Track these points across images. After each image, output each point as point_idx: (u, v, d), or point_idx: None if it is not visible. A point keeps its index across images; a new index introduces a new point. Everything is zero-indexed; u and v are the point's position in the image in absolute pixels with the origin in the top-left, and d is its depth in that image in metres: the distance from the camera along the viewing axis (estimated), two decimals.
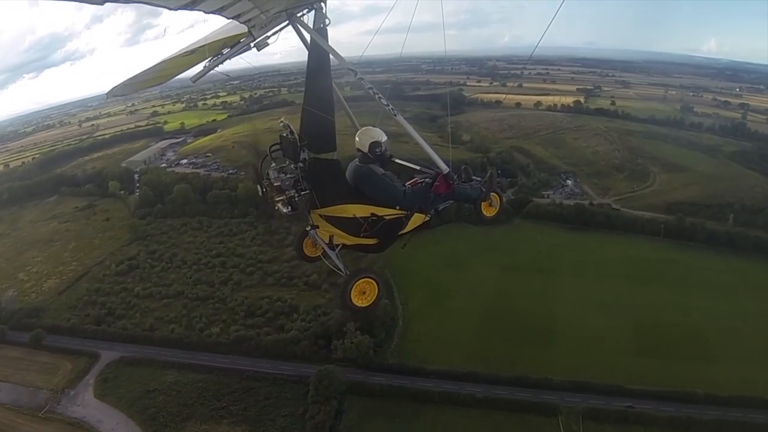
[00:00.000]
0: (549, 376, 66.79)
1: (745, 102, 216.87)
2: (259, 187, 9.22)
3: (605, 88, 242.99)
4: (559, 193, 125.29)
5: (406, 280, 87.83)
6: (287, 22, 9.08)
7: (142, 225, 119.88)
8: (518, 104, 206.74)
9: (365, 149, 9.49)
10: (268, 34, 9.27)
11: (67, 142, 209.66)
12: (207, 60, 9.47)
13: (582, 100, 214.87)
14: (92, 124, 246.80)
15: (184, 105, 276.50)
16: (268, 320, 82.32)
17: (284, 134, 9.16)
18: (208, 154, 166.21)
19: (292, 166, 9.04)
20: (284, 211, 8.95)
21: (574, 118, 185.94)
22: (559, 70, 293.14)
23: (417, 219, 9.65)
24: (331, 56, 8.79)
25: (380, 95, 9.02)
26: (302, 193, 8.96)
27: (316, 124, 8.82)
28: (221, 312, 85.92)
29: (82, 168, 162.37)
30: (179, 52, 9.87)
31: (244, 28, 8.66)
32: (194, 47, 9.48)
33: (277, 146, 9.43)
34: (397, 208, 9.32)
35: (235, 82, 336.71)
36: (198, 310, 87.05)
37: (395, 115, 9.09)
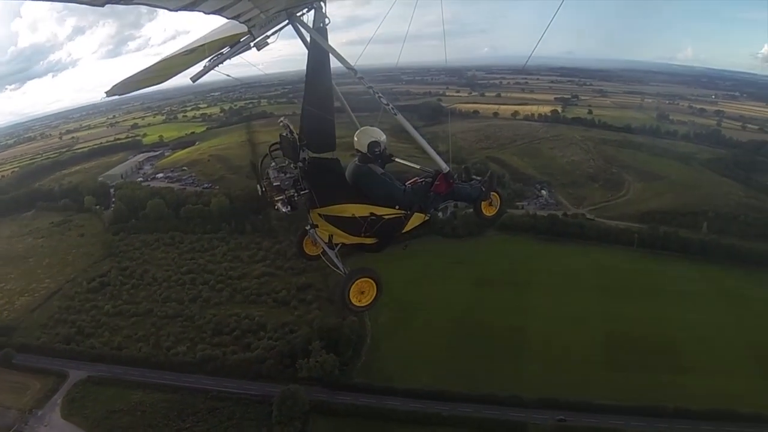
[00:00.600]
0: (518, 393, 65.67)
1: (721, 109, 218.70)
2: (258, 186, 9.14)
3: (583, 97, 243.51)
4: (534, 204, 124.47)
5: None
6: (287, 21, 9.21)
7: (115, 241, 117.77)
8: (496, 114, 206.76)
9: (364, 149, 9.47)
10: (268, 33, 9.41)
11: (46, 155, 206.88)
12: (207, 59, 9.46)
13: (559, 109, 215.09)
14: (72, 137, 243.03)
15: (164, 117, 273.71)
16: (235, 338, 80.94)
17: (284, 134, 9.09)
18: (184, 168, 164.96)
19: (292, 165, 9.03)
20: (284, 210, 8.87)
21: (551, 127, 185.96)
22: (537, 79, 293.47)
23: (417, 219, 9.69)
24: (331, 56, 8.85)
25: (380, 95, 9.04)
26: (302, 192, 8.90)
27: (316, 124, 8.89)
28: (189, 330, 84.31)
29: (59, 182, 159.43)
30: (179, 51, 9.85)
31: (244, 28, 8.71)
32: (194, 46, 9.46)
33: (277, 145, 9.36)
34: (397, 207, 9.35)
35: (216, 93, 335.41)
36: (166, 328, 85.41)
37: (395, 115, 9.17)
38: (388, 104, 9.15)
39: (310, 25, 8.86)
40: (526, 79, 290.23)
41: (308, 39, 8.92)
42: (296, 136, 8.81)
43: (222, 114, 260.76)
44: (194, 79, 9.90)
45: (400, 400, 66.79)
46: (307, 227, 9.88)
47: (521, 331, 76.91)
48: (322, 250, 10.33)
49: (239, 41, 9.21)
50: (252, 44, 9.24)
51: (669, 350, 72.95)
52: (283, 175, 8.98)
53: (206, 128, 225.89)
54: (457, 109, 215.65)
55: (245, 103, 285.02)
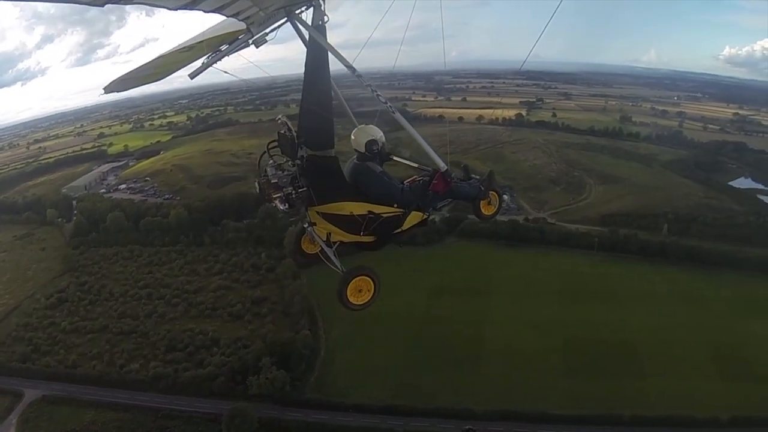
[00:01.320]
0: (472, 405, 64.29)
1: (683, 110, 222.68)
2: (257, 184, 9.19)
3: (547, 100, 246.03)
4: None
5: (331, 307, 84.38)
6: (285, 19, 9.13)
7: (74, 255, 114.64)
8: (461, 118, 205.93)
9: (362, 148, 9.47)
10: (267, 30, 9.34)
11: (13, 166, 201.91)
12: (205, 56, 9.24)
13: (524, 113, 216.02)
14: (40, 147, 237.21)
15: (131, 126, 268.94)
16: (188, 355, 78.72)
17: (282, 131, 9.07)
18: (146, 179, 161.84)
19: (290, 163, 9.04)
20: (281, 208, 8.99)
21: (514, 131, 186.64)
22: (503, 83, 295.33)
23: (415, 217, 9.68)
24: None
25: (378, 93, 9.02)
26: (300, 190, 8.90)
27: (314, 122, 8.80)
28: (143, 347, 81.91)
29: (24, 194, 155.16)
30: (177, 48, 9.55)
31: (242, 25, 8.54)
32: (192, 43, 9.14)
33: (275, 143, 9.32)
34: (395, 206, 9.33)
35: (184, 101, 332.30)
36: (121, 345, 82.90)
37: (393, 113, 9.18)
38: (386, 102, 9.13)
39: (309, 23, 8.78)
40: (492, 82, 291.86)
41: (307, 37, 8.85)
42: (294, 134, 8.87)
43: (188, 122, 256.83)
44: (192, 75, 9.54)
45: (353, 415, 65.22)
46: (305, 225, 9.91)
47: (479, 340, 75.64)
48: (319, 248, 10.25)
49: (237, 38, 9.08)
50: (250, 41, 9.20)
51: (628, 355, 72.47)
52: (281, 172, 9.00)
53: (171, 137, 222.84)
54: (423, 114, 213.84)
55: (211, 110, 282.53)
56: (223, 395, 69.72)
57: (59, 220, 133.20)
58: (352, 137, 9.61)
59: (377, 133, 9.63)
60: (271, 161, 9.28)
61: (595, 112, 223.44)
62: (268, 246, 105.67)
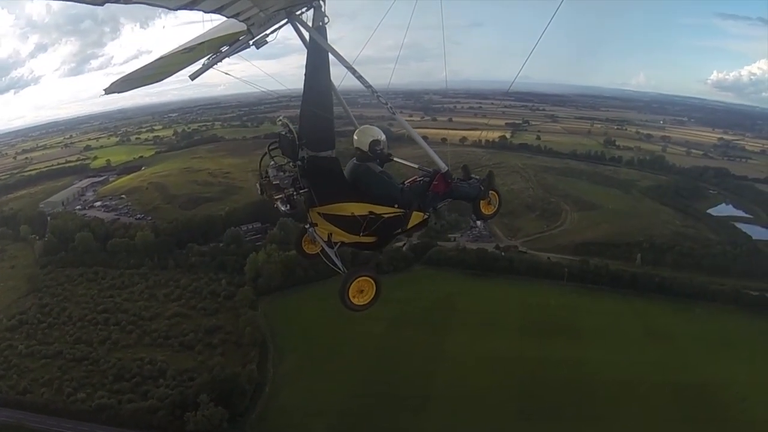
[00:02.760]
0: None
1: (667, 135, 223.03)
2: (258, 185, 9.19)
3: (534, 122, 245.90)
4: (467, 236, 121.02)
5: (285, 338, 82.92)
6: (286, 20, 9.15)
7: (41, 275, 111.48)
8: (444, 140, 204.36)
9: (365, 147, 9.48)
10: (267, 32, 9.36)
11: None
12: (206, 57, 9.41)
13: (507, 135, 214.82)
14: (26, 157, 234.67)
15: (118, 138, 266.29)
16: (135, 385, 75.82)
17: (283, 132, 9.07)
18: (122, 196, 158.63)
19: (291, 164, 9.07)
20: (283, 209, 9.00)
21: (495, 154, 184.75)
22: (492, 104, 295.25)
23: (416, 217, 9.66)
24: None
25: (379, 94, 8.97)
26: (301, 191, 8.94)
27: (315, 123, 8.81)
28: (93, 375, 79.03)
29: (2, 208, 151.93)
30: (178, 49, 9.64)
31: (243, 26, 8.62)
32: (193, 44, 9.19)
33: (276, 144, 9.34)
34: (396, 206, 9.29)
35: (174, 114, 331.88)
36: (71, 372, 79.93)
37: (394, 114, 9.22)
38: (386, 103, 9.10)
39: (310, 24, 8.78)
40: (480, 103, 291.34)
41: (307, 38, 8.85)
42: (295, 135, 8.84)
43: (174, 137, 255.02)
44: (193, 77, 9.79)
45: None
46: (307, 226, 9.89)
47: (433, 377, 72.99)
48: (320, 248, 10.35)
49: (238, 40, 9.19)
50: (251, 43, 9.26)
51: (587, 396, 69.72)
52: (282, 173, 9.00)
53: (155, 152, 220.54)
54: (405, 135, 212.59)
55: (199, 125, 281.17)
56: (163, 429, 67.64)
57: (33, 237, 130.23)
58: (355, 137, 9.63)
59: (380, 133, 9.64)
60: (273, 162, 9.22)
61: (580, 135, 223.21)
62: (230, 272, 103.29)
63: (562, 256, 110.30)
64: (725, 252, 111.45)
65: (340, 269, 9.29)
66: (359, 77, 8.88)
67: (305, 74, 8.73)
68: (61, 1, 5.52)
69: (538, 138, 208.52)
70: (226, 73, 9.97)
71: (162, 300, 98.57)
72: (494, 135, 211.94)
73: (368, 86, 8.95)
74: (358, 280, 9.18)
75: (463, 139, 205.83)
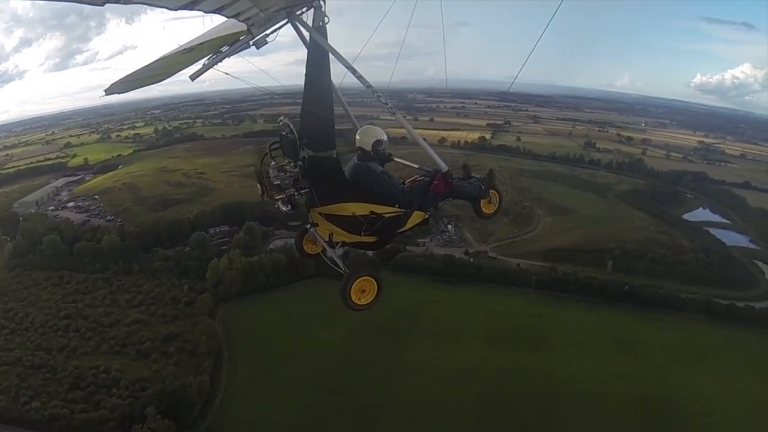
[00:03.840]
0: None
1: (648, 137, 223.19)
2: (259, 185, 9.11)
3: (515, 123, 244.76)
4: (437, 240, 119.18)
5: (241, 347, 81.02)
6: (286, 20, 9.19)
7: (9, 278, 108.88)
8: (425, 140, 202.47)
9: (368, 147, 9.61)
10: (267, 32, 9.43)
11: None
12: (206, 57, 9.38)
13: (487, 136, 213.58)
14: (7, 154, 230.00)
15: (99, 135, 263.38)
16: (89, 395, 73.79)
17: (284, 132, 9.14)
18: (95, 197, 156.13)
19: (292, 164, 9.11)
20: (284, 209, 9.09)
21: (473, 155, 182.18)
22: (475, 104, 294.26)
23: (416, 217, 9.77)
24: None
25: (379, 94, 9.13)
26: (302, 191, 8.98)
27: (316, 123, 8.85)
28: (49, 383, 76.79)
29: None
30: (178, 49, 9.61)
31: (243, 26, 8.66)
32: (193, 44, 9.19)
33: (277, 144, 9.38)
34: (396, 206, 9.39)
35: (157, 111, 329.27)
36: (29, 380, 77.72)
37: (394, 114, 9.35)
38: (386, 103, 9.24)
39: (310, 24, 8.81)
40: (463, 103, 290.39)
41: (307, 38, 8.87)
42: (296, 135, 8.86)
43: (154, 135, 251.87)
44: (193, 77, 9.72)
45: None
46: (308, 226, 10.02)
47: (390, 388, 71.28)
48: (321, 248, 10.52)
49: (238, 40, 9.14)
50: (251, 43, 9.24)
51: (549, 408, 68.28)
52: (283, 174, 9.05)
53: (133, 150, 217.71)
54: (399, 136, 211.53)
55: (180, 123, 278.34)
56: None
57: (4, 238, 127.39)
58: (358, 137, 9.75)
59: (382, 133, 9.79)
60: (273, 163, 9.24)
61: (561, 136, 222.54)
62: (193, 277, 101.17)
63: (532, 262, 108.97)
64: (698, 259, 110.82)
65: (341, 269, 9.53)
66: (359, 77, 9.04)
67: (306, 74, 8.78)
68: (60, 1, 5.49)
69: (518, 139, 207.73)
70: (227, 74, 10.13)
71: (123, 306, 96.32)
72: (474, 136, 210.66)
73: (368, 86, 9.16)
74: (359, 279, 9.36)
75: (442, 139, 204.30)
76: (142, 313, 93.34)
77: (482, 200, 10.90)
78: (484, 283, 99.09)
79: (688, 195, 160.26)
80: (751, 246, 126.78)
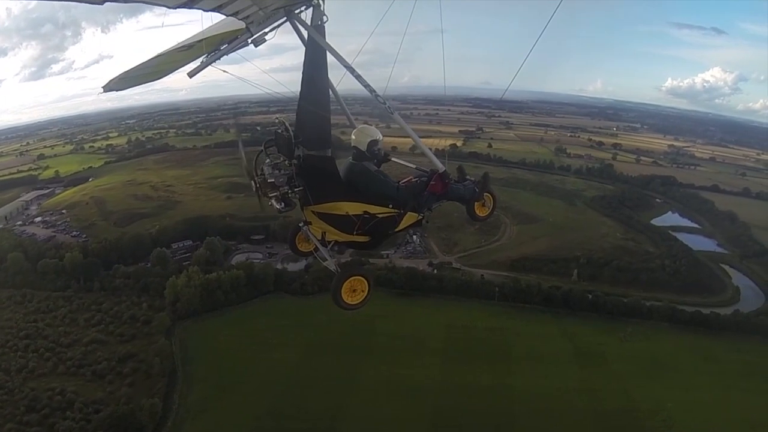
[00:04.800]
0: None
1: (618, 142, 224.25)
2: (252, 183, 9.08)
3: (488, 130, 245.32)
4: (402, 252, 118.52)
5: (196, 366, 79.41)
6: (285, 18, 9.01)
7: None
8: (394, 148, 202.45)
9: (363, 147, 9.48)
10: (266, 30, 9.16)
11: None
12: (204, 55, 9.11)
13: (458, 143, 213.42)
14: None
15: (73, 146, 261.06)
16: (43, 417, 72.09)
17: (279, 130, 8.99)
18: (63, 211, 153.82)
19: (287, 162, 8.98)
20: (277, 207, 8.95)
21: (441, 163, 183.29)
22: (449, 110, 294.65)
23: (409, 218, 9.72)
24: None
25: (377, 93, 9.05)
26: (296, 189, 8.93)
27: (312, 121, 8.84)
28: (6, 405, 75.00)
29: None
30: (176, 47, 9.68)
31: (242, 24, 8.60)
32: (191, 42, 9.17)
33: (272, 142, 9.22)
34: (390, 206, 9.36)
35: (132, 120, 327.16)
36: None
37: (392, 114, 9.20)
38: (384, 103, 9.06)
39: (308, 22, 8.78)
40: (437, 109, 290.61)
41: (306, 36, 8.80)
42: (292, 133, 8.75)
43: (126, 145, 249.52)
44: (191, 74, 9.15)
45: None
46: (301, 224, 9.96)
47: (342, 410, 69.79)
48: (314, 247, 10.17)
49: (237, 38, 8.97)
50: (249, 41, 9.01)
51: (507, 425, 67.78)
52: (277, 171, 8.88)
53: (105, 162, 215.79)
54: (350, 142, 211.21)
55: (153, 133, 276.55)
56: None
57: None
58: (353, 136, 9.61)
59: (377, 133, 9.63)
60: (268, 160, 9.07)
61: (533, 142, 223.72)
62: (153, 294, 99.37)
63: (497, 272, 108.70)
64: (664, 266, 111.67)
65: (333, 268, 9.42)
66: (358, 77, 8.86)
67: (303, 73, 8.76)
68: (53, 2, 5.72)
69: (490, 146, 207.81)
70: (224, 71, 9.82)
71: (82, 325, 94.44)
72: (445, 143, 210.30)
73: (367, 86, 8.92)
74: (350, 279, 9.37)
75: (413, 147, 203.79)
76: (101, 332, 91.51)
77: (476, 203, 11.03)
78: (447, 295, 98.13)
79: (657, 200, 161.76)
80: (719, 250, 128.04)
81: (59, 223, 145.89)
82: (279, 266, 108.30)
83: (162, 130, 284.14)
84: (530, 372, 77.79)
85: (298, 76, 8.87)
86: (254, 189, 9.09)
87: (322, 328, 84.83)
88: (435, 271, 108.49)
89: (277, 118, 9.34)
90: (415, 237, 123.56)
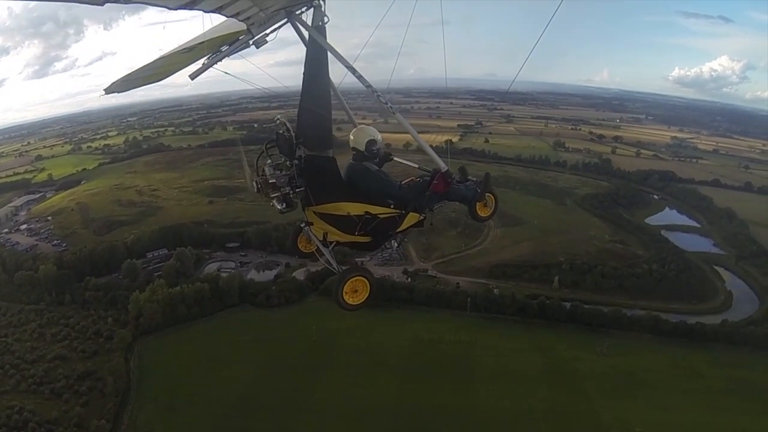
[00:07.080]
0: None
1: (620, 135, 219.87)
2: (254, 183, 9.10)
3: (487, 123, 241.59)
4: (377, 258, 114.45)
5: (152, 383, 77.38)
6: (286, 19, 9.18)
7: None
8: (388, 145, 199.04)
9: (362, 147, 9.52)
10: (267, 31, 9.46)
11: None
12: (206, 57, 9.32)
13: (454, 138, 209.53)
14: None
15: (71, 147, 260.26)
16: None
17: (280, 131, 8.98)
18: (48, 218, 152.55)
19: (288, 163, 8.99)
20: (279, 207, 8.96)
21: (431, 162, 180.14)
22: (451, 103, 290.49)
23: (411, 218, 9.71)
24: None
25: (379, 93, 9.09)
26: (297, 190, 8.92)
27: (313, 122, 8.84)
28: None
29: None
30: (178, 48, 9.67)
31: (243, 26, 8.67)
32: (193, 44, 9.18)
33: (273, 143, 9.23)
34: (392, 206, 9.35)
35: (134, 118, 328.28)
36: None
37: (394, 113, 9.28)
38: (386, 103, 9.20)
39: (309, 23, 8.78)
40: (438, 103, 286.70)
41: (307, 37, 8.81)
42: (293, 134, 8.78)
43: (123, 145, 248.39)
44: (193, 76, 9.57)
45: None
46: (302, 225, 10.04)
47: None
48: (316, 248, 10.23)
49: (238, 39, 9.17)
50: (251, 42, 9.25)
51: None
52: (279, 172, 8.89)
53: (99, 164, 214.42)
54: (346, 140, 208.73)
55: (151, 132, 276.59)
56: None
57: None
58: (351, 137, 9.64)
59: (376, 133, 9.67)
60: (269, 161, 9.01)
61: (532, 136, 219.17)
62: (120, 308, 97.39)
63: (474, 279, 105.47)
64: (651, 272, 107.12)
65: (334, 269, 9.35)
66: (359, 77, 8.87)
67: (304, 73, 8.67)
68: (61, 1, 5.40)
69: (487, 141, 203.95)
70: (226, 72, 9.92)
71: (49, 340, 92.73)
72: (441, 138, 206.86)
73: (368, 85, 8.99)
74: (351, 280, 9.21)
75: (407, 144, 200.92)
76: (65, 347, 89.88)
77: (478, 203, 10.79)
78: (417, 307, 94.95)
79: (655, 196, 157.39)
80: (714, 251, 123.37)
81: (43, 231, 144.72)
82: (250, 275, 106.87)
83: (160, 129, 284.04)
84: (494, 391, 74.03)
85: (302, 69, 8.70)
86: (255, 190, 9.07)
87: (283, 343, 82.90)
88: (409, 279, 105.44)
89: (277, 118, 9.20)
90: (393, 242, 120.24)
